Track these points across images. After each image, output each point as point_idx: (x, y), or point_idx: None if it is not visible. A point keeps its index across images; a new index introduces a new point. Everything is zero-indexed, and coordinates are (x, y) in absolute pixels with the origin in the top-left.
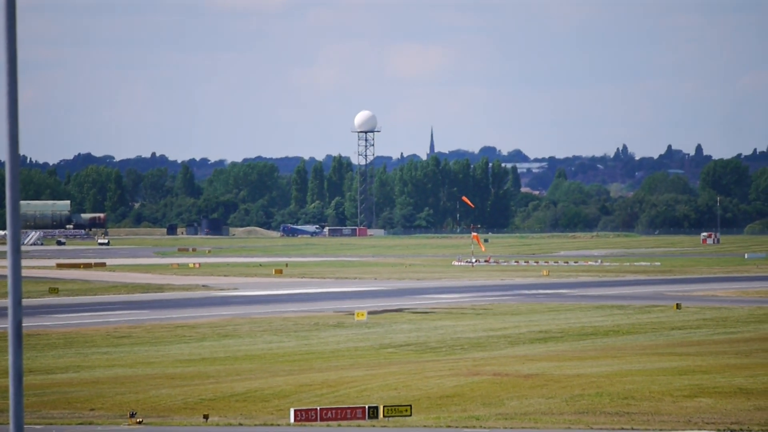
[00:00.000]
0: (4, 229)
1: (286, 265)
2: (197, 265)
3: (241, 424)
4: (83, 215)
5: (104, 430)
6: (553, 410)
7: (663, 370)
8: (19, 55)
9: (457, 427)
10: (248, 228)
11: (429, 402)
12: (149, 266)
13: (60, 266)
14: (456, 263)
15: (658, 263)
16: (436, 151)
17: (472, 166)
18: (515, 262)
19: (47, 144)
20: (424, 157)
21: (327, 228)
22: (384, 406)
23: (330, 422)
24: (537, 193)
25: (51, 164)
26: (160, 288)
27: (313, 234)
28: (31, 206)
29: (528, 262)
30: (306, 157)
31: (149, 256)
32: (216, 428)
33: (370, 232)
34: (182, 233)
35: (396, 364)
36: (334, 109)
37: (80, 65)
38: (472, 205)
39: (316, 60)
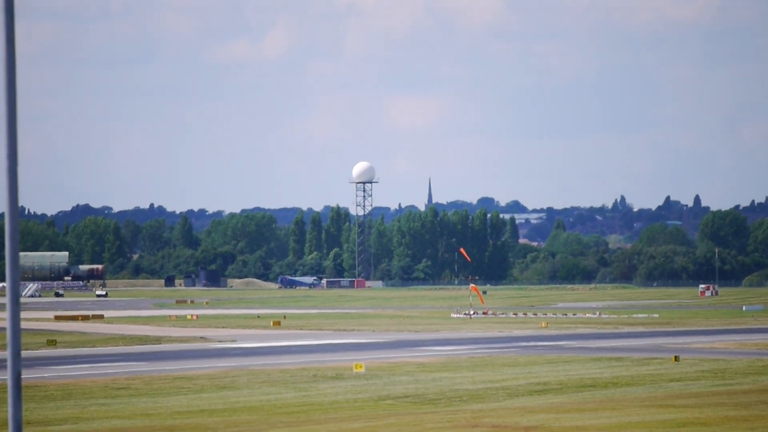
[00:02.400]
0: (2, 280)
1: (284, 316)
2: (195, 317)
3: None
4: (81, 267)
5: None
6: None
7: (662, 422)
8: (18, 106)
9: None
10: (246, 279)
11: None
12: (147, 318)
13: (58, 318)
14: (454, 315)
15: (657, 315)
16: (434, 201)
17: (470, 217)
18: (513, 314)
19: (46, 195)
20: (422, 208)
21: (325, 279)
22: None
23: None
24: (535, 244)
25: (49, 215)
26: (158, 340)
27: (311, 286)
28: (29, 257)
29: (526, 314)
30: (304, 208)
31: (147, 308)
32: None
33: (368, 283)
34: (180, 285)
35: (395, 416)
36: (332, 160)
37: (78, 116)
38: (469, 259)
39: (313, 111)
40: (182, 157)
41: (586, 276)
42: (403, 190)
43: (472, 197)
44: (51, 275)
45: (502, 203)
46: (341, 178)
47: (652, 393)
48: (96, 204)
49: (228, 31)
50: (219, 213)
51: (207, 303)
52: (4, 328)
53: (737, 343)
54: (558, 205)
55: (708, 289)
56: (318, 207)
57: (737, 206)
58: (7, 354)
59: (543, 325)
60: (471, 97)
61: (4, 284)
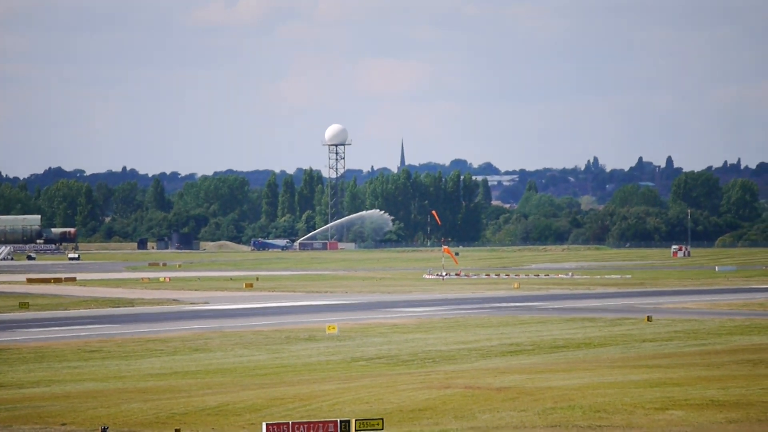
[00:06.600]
0: None
1: (257, 278)
2: (168, 279)
3: None
4: (54, 230)
5: None
6: (525, 423)
7: (635, 382)
8: None
9: None
10: (219, 242)
11: (401, 415)
12: (120, 281)
13: (30, 281)
14: (426, 276)
15: (629, 276)
16: (406, 164)
17: (443, 179)
18: (486, 275)
19: (18, 158)
20: (394, 170)
21: (298, 242)
22: (356, 420)
23: None
24: (508, 206)
25: (21, 178)
26: (130, 302)
27: (283, 248)
28: (1, 221)
29: (499, 275)
30: (277, 171)
31: (120, 271)
32: None
33: (340, 245)
34: (153, 247)
35: (368, 377)
36: (305, 122)
37: (51, 80)
38: (440, 222)
39: (287, 73)
40: (155, 120)
41: (559, 237)
42: (375, 153)
43: (444, 159)
44: (23, 238)
45: (475, 165)
46: (314, 140)
47: (624, 353)
48: (68, 167)
49: None
50: (191, 176)
51: (180, 266)
52: None
53: (710, 303)
54: (530, 167)
55: (680, 249)
56: (291, 170)
57: (710, 167)
58: None
59: (515, 285)
60: (444, 59)
61: None
